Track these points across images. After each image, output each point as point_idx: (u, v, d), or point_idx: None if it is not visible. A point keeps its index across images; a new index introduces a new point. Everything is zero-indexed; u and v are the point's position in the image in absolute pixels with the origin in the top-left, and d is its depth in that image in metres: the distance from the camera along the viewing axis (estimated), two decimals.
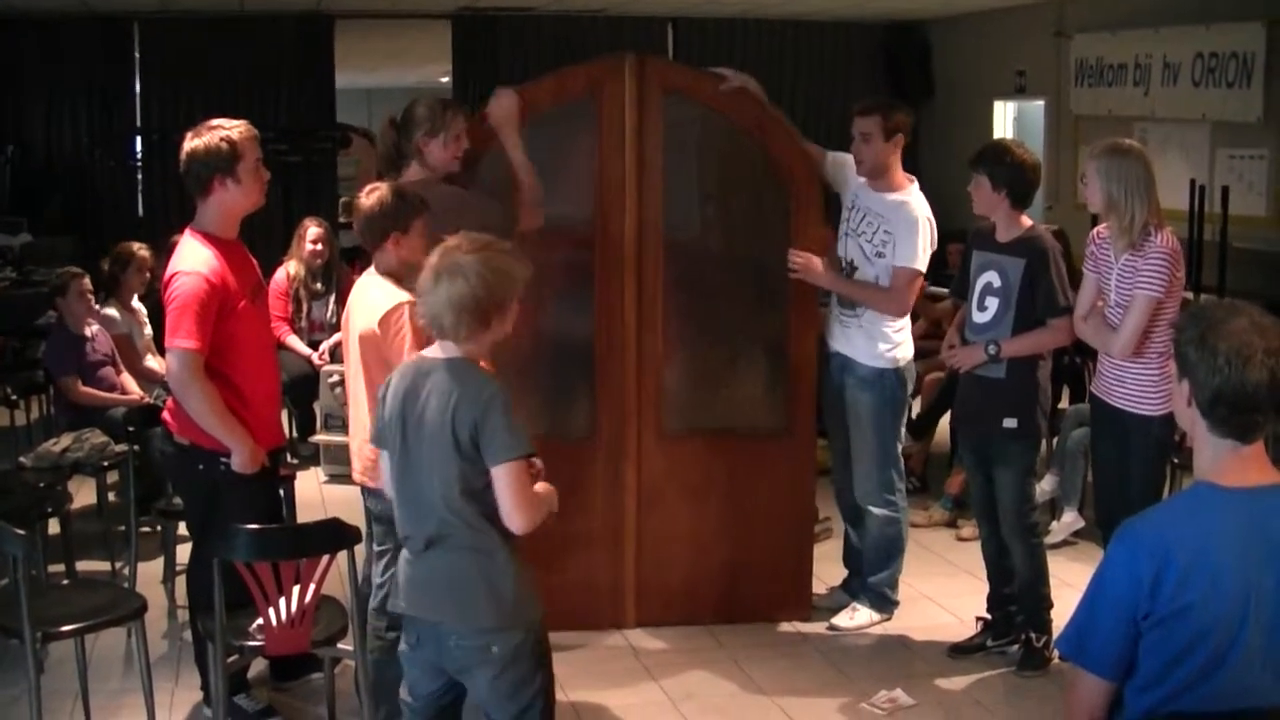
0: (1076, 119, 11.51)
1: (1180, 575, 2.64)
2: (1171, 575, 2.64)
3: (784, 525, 5.81)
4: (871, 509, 5.74)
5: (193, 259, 4.54)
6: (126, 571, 6.03)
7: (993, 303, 5.23)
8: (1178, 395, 2.78)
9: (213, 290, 4.49)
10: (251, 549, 4.22)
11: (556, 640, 3.88)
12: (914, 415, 7.36)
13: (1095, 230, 5.10)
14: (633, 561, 5.71)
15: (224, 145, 4.56)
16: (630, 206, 5.53)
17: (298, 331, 8.47)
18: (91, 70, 12.70)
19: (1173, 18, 10.14)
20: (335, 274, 8.58)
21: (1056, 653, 5.19)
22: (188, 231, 4.68)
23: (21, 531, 4.32)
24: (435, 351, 3.59)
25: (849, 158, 5.63)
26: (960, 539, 6.90)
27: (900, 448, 5.83)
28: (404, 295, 4.51)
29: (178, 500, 5.67)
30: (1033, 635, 5.36)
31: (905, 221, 5.49)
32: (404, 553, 3.68)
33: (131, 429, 6.07)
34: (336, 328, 7.08)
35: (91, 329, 7.26)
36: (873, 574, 5.84)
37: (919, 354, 6.06)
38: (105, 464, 6.62)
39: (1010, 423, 5.22)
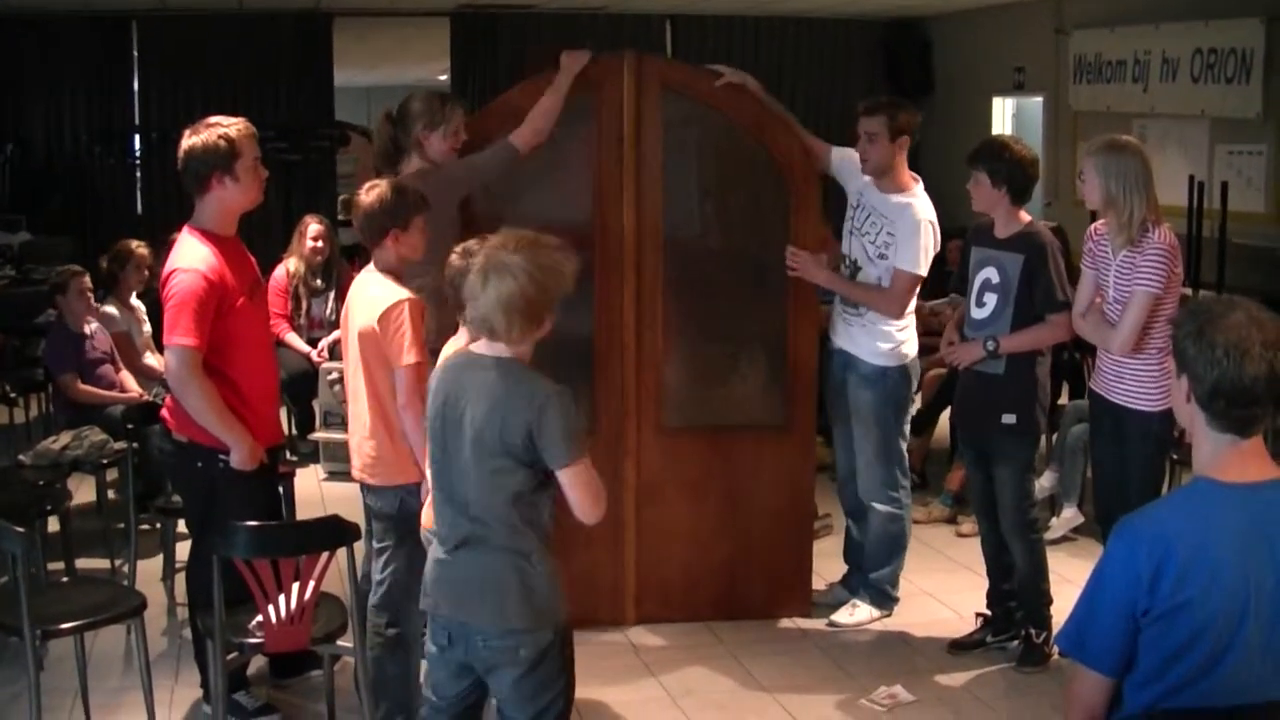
0: (1075, 115, 11.51)
1: (1180, 571, 2.64)
2: (1171, 571, 2.64)
3: (783, 521, 5.81)
4: (875, 506, 5.74)
5: (191, 256, 4.54)
6: (126, 569, 6.02)
7: (991, 299, 5.23)
8: (1176, 391, 2.78)
9: (211, 288, 4.49)
10: (251, 546, 4.21)
11: None
12: (914, 411, 7.36)
13: (1093, 226, 5.09)
14: (632, 558, 5.71)
15: (222, 143, 4.56)
16: (628, 203, 5.53)
17: (297, 329, 8.46)
18: (90, 68, 12.70)
19: (1172, 13, 10.14)
20: (335, 271, 8.58)
21: (1056, 649, 5.20)
22: (186, 229, 4.67)
23: (21, 529, 4.32)
24: (482, 348, 3.52)
25: (855, 154, 5.63)
26: (960, 535, 6.90)
27: (904, 445, 5.83)
28: (404, 292, 4.52)
29: (177, 498, 5.67)
30: (1032, 631, 5.36)
31: (908, 224, 5.48)
32: (434, 550, 3.63)
33: (130, 426, 6.07)
34: (336, 325, 7.08)
35: (90, 327, 7.26)
36: (874, 570, 5.84)
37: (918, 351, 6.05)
38: (104, 461, 6.62)
39: (1009, 419, 5.22)
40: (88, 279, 7.31)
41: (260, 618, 4.32)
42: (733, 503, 5.76)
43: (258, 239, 5.98)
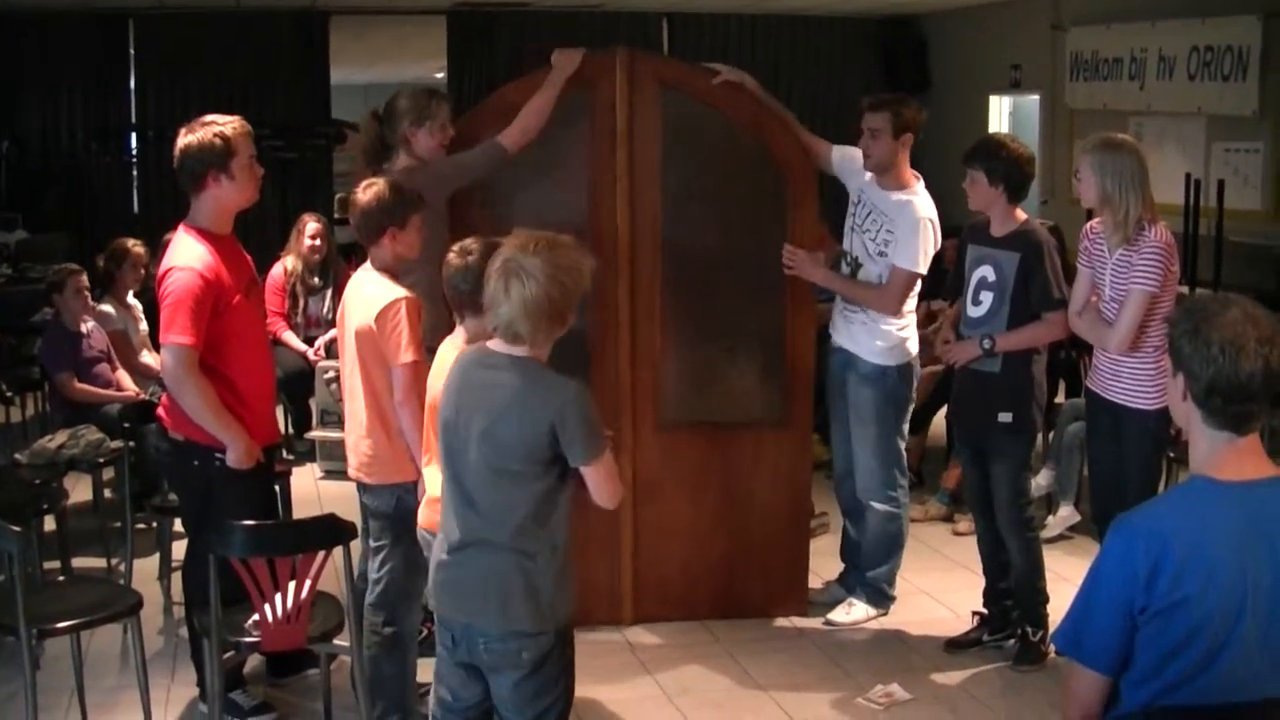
0: (1072, 113, 11.52)
1: (1176, 569, 2.63)
2: (1168, 569, 2.64)
3: (780, 519, 5.81)
4: (873, 505, 5.74)
5: (187, 254, 4.53)
6: (122, 568, 6.02)
7: (987, 297, 5.22)
8: (1173, 390, 2.77)
9: (207, 286, 4.48)
10: (247, 545, 4.21)
11: None
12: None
13: (1089, 225, 5.09)
14: (629, 556, 5.71)
15: (218, 141, 4.55)
16: (622, 200, 5.52)
17: (294, 327, 8.46)
18: (87, 66, 12.70)
19: (1168, 11, 10.15)
20: (333, 269, 8.58)
21: (1053, 647, 5.19)
22: (182, 227, 4.67)
23: (17, 528, 4.32)
24: (498, 347, 3.49)
25: (856, 152, 5.62)
26: (956, 533, 6.90)
27: (903, 444, 5.83)
28: (400, 291, 4.51)
29: (173, 496, 5.67)
30: (1029, 630, 5.36)
31: (908, 222, 5.47)
32: (438, 550, 3.60)
33: (127, 425, 6.06)
34: (333, 323, 7.09)
35: (87, 325, 7.26)
36: (871, 569, 5.84)
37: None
38: (101, 460, 6.61)
39: (1005, 417, 5.22)
40: (85, 278, 7.31)
41: (257, 616, 4.31)
42: (730, 500, 5.76)
43: (254, 237, 5.98)
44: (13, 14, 12.12)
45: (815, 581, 6.06)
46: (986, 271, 5.23)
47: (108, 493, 7.04)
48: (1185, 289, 7.61)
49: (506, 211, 5.38)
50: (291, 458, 7.98)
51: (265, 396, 4.85)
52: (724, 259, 5.79)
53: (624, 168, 5.52)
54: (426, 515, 4.07)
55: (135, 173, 13.21)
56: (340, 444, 5.41)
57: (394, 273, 4.60)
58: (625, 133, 5.51)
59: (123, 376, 7.34)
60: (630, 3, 12.99)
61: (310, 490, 7.71)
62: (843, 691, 5.17)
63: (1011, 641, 5.46)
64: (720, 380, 5.84)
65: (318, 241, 8.49)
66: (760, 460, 5.76)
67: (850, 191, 5.74)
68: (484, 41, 13.42)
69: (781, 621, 5.84)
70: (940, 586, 6.23)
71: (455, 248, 4.14)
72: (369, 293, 4.55)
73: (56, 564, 6.10)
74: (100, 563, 6.44)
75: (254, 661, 5.11)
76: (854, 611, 5.82)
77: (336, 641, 4.53)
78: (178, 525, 5.88)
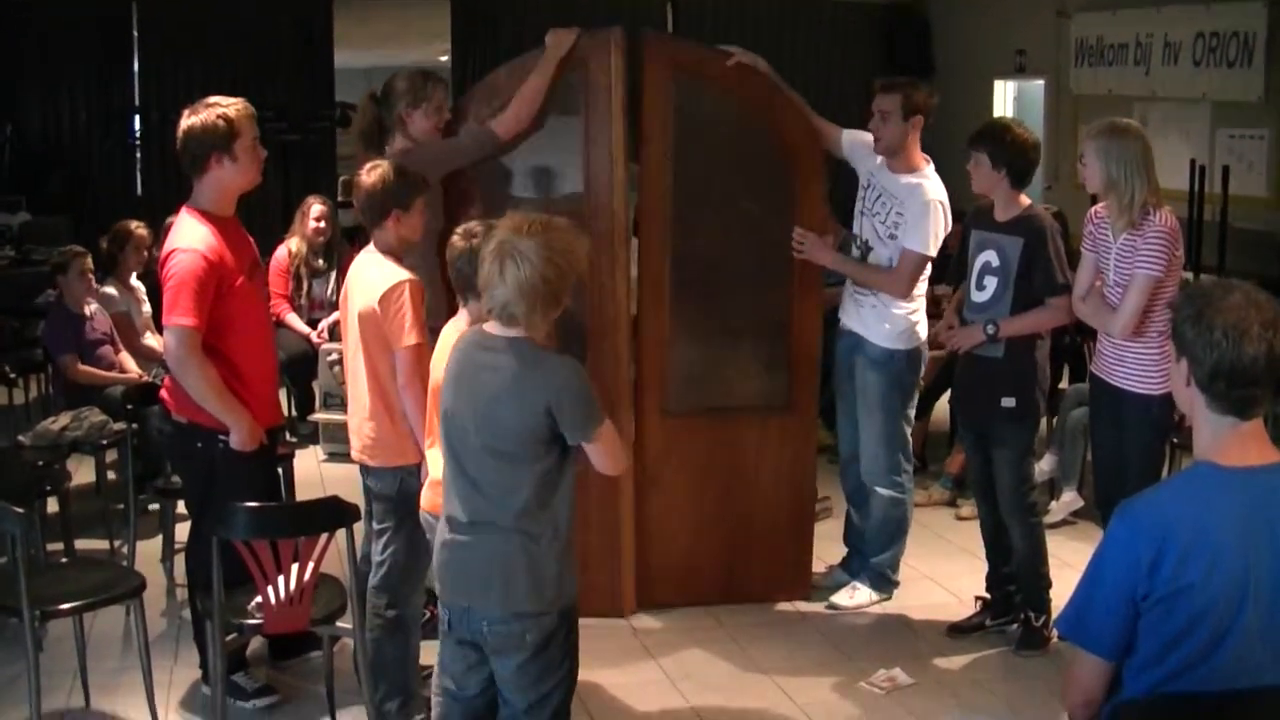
0: (1076, 99, 11.48)
1: (1180, 555, 2.64)
2: (1171, 555, 2.64)
3: (784, 505, 5.81)
4: (878, 489, 5.74)
5: (190, 236, 4.53)
6: (125, 550, 6.03)
7: (991, 282, 5.22)
8: (1176, 375, 2.77)
9: (210, 268, 4.48)
10: (250, 527, 4.21)
11: None
12: None
13: (1093, 210, 5.08)
14: (632, 541, 5.70)
15: (221, 123, 4.55)
16: (619, 182, 5.48)
17: (298, 309, 8.45)
18: (90, 49, 12.65)
19: None
20: (337, 252, 8.57)
21: (1055, 632, 5.20)
22: (184, 209, 4.67)
23: (20, 510, 4.32)
24: (494, 329, 3.49)
25: (867, 136, 5.61)
26: (960, 518, 6.90)
27: (909, 430, 5.82)
28: (404, 274, 4.51)
29: (176, 479, 5.68)
30: (1031, 615, 5.36)
31: (918, 205, 5.46)
32: (441, 532, 3.60)
33: (130, 407, 6.06)
34: (337, 306, 7.07)
35: (90, 308, 7.26)
36: (875, 554, 5.84)
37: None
38: (104, 442, 6.62)
39: (1009, 402, 5.21)
40: (89, 260, 7.30)
41: (259, 599, 4.32)
42: (734, 486, 5.75)
43: (256, 220, 5.97)
44: None
45: (818, 566, 6.06)
46: (990, 256, 5.22)
47: (111, 475, 7.04)
48: (1189, 275, 7.60)
49: (508, 194, 5.37)
50: (294, 440, 7.98)
51: (268, 379, 4.85)
52: (731, 244, 5.77)
53: (619, 148, 5.45)
54: (429, 498, 4.07)
55: (138, 155, 13.17)
56: (343, 427, 5.40)
57: (397, 255, 4.60)
58: (621, 113, 5.44)
59: (126, 359, 7.34)
60: None
61: (313, 473, 7.71)
62: (845, 676, 5.18)
63: (1014, 626, 5.46)
64: (725, 366, 5.84)
65: (322, 224, 8.48)
66: (765, 446, 5.75)
67: (860, 175, 5.73)
68: (488, 24, 13.36)
69: (785, 606, 5.85)
70: (943, 571, 6.23)
71: (459, 230, 4.13)
72: (372, 275, 4.55)
73: (59, 546, 6.10)
74: (103, 545, 6.45)
75: (257, 644, 5.12)
76: (857, 596, 5.83)
77: (339, 624, 4.54)
78: (181, 507, 5.89)
